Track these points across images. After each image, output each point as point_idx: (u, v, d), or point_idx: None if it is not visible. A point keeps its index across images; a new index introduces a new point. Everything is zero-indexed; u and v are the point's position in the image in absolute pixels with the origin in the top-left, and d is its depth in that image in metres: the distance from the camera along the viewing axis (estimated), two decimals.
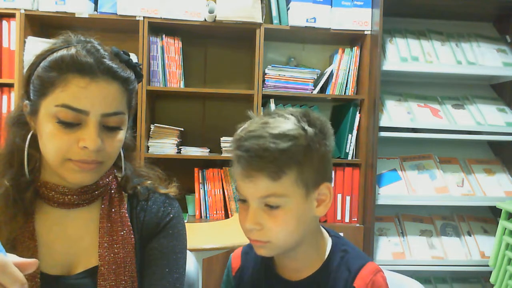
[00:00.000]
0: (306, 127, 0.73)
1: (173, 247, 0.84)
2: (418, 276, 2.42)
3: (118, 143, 0.79)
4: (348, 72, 2.48)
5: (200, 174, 2.46)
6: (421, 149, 2.56)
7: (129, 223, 0.83)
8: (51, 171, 0.79)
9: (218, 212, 2.46)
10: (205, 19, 2.35)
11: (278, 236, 0.73)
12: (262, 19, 2.37)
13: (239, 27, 2.37)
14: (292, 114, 0.75)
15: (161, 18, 2.32)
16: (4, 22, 2.27)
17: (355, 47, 2.48)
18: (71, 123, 0.73)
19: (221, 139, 2.45)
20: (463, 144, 2.59)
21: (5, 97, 2.29)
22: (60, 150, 0.73)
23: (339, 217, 2.47)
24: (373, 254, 2.33)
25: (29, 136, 0.79)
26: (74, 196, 0.80)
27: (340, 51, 2.49)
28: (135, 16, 2.30)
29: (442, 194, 2.37)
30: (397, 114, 2.41)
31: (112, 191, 0.85)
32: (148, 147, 2.40)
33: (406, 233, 2.43)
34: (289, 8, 2.44)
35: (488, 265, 2.20)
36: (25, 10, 2.23)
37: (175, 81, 2.41)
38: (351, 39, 2.58)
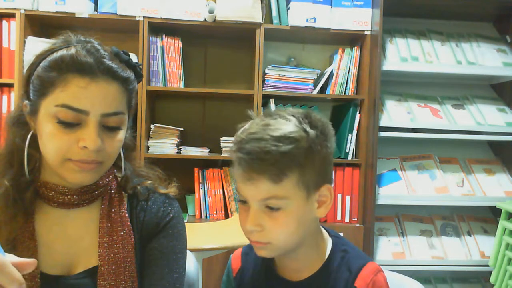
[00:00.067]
0: (308, 129, 0.73)
1: (173, 247, 0.84)
2: (418, 276, 2.42)
3: (118, 143, 0.79)
4: (348, 72, 2.48)
5: (200, 174, 2.46)
6: (421, 149, 2.56)
7: (129, 223, 0.83)
8: (51, 171, 0.79)
9: (218, 212, 2.46)
10: (205, 19, 2.35)
11: (279, 238, 0.73)
12: (262, 19, 2.37)
13: (239, 27, 2.37)
14: (293, 115, 0.74)
15: (161, 18, 2.32)
16: (4, 22, 2.27)
17: (355, 47, 2.48)
18: (71, 123, 0.73)
19: (221, 139, 2.45)
20: (463, 144, 2.59)
21: (5, 97, 2.29)
22: (60, 150, 0.73)
23: (339, 217, 2.47)
24: (373, 254, 2.33)
25: (29, 136, 0.79)
26: (74, 196, 0.80)
27: (340, 51, 2.49)
28: (135, 16, 2.30)
29: (442, 194, 2.37)
30: (397, 114, 2.41)
31: (112, 191, 0.85)
32: (148, 147, 2.40)
33: (406, 233, 2.43)
34: (289, 8, 2.44)
35: (488, 265, 2.20)
36: (25, 10, 2.23)
37: (175, 81, 2.41)
38: (351, 39, 2.58)
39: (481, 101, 2.54)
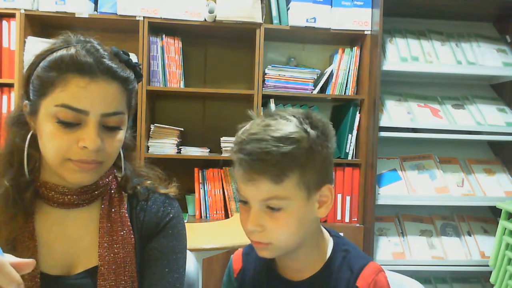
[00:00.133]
0: (309, 129, 0.73)
1: (173, 247, 0.84)
2: (418, 276, 2.42)
3: (118, 143, 0.79)
4: (348, 72, 2.48)
5: (200, 174, 2.46)
6: (421, 149, 2.56)
7: (129, 223, 0.83)
8: (51, 171, 0.79)
9: (218, 212, 2.46)
10: (205, 19, 2.35)
11: (280, 238, 0.73)
12: (262, 19, 2.37)
13: (239, 27, 2.37)
14: (294, 116, 0.74)
15: (161, 18, 2.32)
16: (4, 22, 2.27)
17: (355, 47, 2.48)
18: (70, 123, 0.73)
19: (221, 139, 2.45)
20: (463, 144, 2.59)
21: (5, 97, 2.29)
22: (60, 150, 0.73)
23: (339, 217, 2.47)
24: (373, 254, 2.33)
25: (29, 136, 0.78)
26: (74, 196, 0.80)
27: (340, 51, 2.49)
28: (135, 16, 2.30)
29: (442, 194, 2.37)
30: (397, 114, 2.41)
31: (112, 191, 0.85)
32: (148, 147, 2.40)
33: (406, 233, 2.43)
34: (289, 8, 2.44)
35: (488, 265, 2.20)
36: (25, 10, 2.23)
37: (175, 81, 2.41)
38: (351, 39, 2.58)
39: (481, 101, 2.54)
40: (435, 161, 2.51)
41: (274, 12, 2.46)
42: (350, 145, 2.47)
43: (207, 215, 2.46)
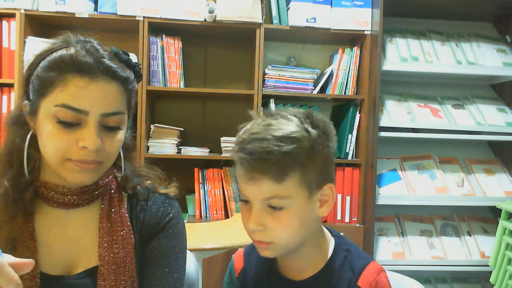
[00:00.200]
0: (310, 128, 0.73)
1: (173, 247, 0.84)
2: (418, 276, 2.42)
3: (117, 143, 0.78)
4: (348, 72, 2.48)
5: (200, 174, 2.46)
6: (421, 149, 2.56)
7: (129, 223, 0.83)
8: (50, 171, 0.79)
9: (218, 212, 2.46)
10: (205, 19, 2.35)
11: (281, 237, 0.73)
12: (262, 19, 2.37)
13: (239, 27, 2.37)
14: (295, 115, 0.75)
15: (161, 18, 2.32)
16: (4, 22, 2.27)
17: (355, 47, 2.48)
18: (70, 123, 0.73)
19: (221, 139, 2.45)
20: (463, 144, 2.59)
21: (5, 97, 2.29)
22: (59, 150, 0.73)
23: (339, 217, 2.47)
24: (373, 254, 2.33)
25: (28, 136, 0.78)
26: (74, 196, 0.80)
27: (340, 51, 2.49)
28: (135, 16, 2.30)
29: (442, 194, 2.37)
30: (397, 114, 2.41)
31: (112, 191, 0.85)
32: (148, 147, 2.40)
33: (406, 233, 2.43)
34: (289, 8, 2.44)
35: (488, 265, 2.20)
36: (25, 10, 2.22)
37: (175, 81, 2.41)
38: (351, 39, 2.58)
39: (481, 101, 2.54)
40: (435, 161, 2.51)
41: (274, 12, 2.46)
42: (350, 145, 2.47)
43: (207, 215, 2.46)
